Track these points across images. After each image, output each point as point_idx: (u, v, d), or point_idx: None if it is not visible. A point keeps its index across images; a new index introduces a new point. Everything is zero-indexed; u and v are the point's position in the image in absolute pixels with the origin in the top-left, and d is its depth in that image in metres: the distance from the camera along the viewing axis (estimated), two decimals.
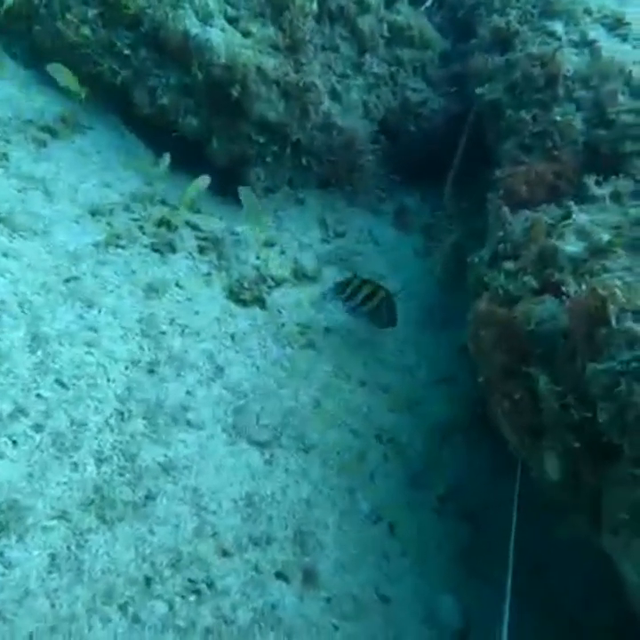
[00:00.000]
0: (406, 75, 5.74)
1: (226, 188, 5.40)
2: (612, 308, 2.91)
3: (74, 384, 3.59)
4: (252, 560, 3.37)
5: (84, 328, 3.90)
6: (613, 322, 2.88)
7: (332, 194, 5.74)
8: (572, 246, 3.52)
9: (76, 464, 3.32)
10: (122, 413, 3.61)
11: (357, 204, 5.78)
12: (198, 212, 5.19)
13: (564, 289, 3.31)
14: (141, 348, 3.98)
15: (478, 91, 5.00)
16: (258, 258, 4.94)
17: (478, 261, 4.29)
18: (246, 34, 5.23)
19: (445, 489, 4.17)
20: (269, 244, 5.14)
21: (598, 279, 3.20)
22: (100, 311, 4.05)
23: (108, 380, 3.73)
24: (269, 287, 4.82)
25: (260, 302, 4.72)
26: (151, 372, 3.89)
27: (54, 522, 3.07)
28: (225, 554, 3.32)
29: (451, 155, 5.53)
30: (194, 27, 5.06)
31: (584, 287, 3.15)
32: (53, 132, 5.12)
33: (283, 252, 5.07)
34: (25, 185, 4.58)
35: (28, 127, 4.97)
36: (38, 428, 3.34)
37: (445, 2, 5.85)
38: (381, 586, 3.58)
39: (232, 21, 5.27)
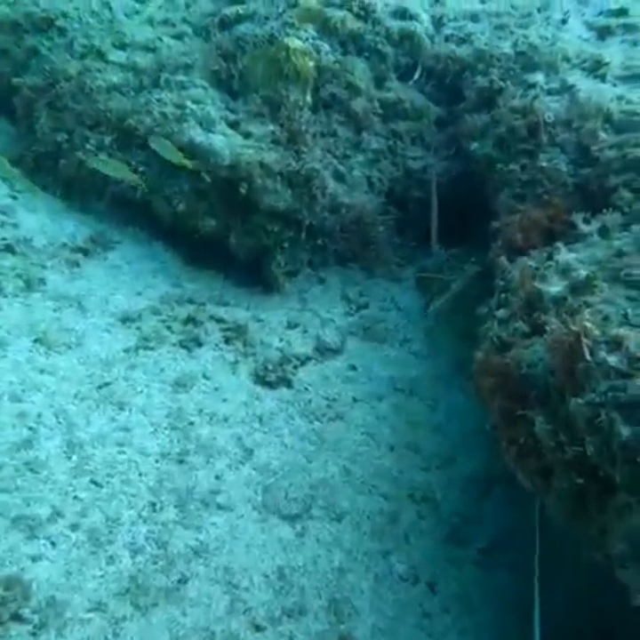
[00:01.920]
0: (405, 145, 5.99)
1: (251, 278, 5.70)
2: (585, 342, 2.99)
3: (108, 482, 3.87)
4: (286, 632, 3.48)
5: (116, 429, 4.19)
6: (587, 355, 2.96)
7: (351, 269, 5.97)
8: (554, 287, 3.62)
9: (111, 557, 3.55)
10: (154, 504, 3.84)
11: (377, 274, 5.97)
12: (226, 304, 5.48)
13: (547, 329, 3.39)
14: (171, 440, 4.24)
15: (472, 147, 5.20)
16: (281, 340, 5.17)
17: (486, 312, 4.39)
18: (247, 135, 5.62)
19: (488, 542, 4.16)
20: (293, 325, 5.36)
21: (577, 315, 3.28)
22: (130, 411, 4.34)
23: (140, 475, 3.98)
24: (294, 366, 5.03)
25: (286, 382, 4.93)
26: (181, 462, 4.13)
27: (91, 614, 3.27)
28: (258, 628, 3.45)
29: (457, 213, 5.72)
30: (198, 136, 5.47)
31: (561, 325, 3.23)
32: (85, 252, 5.57)
33: (305, 331, 5.28)
34: (60, 304, 4.99)
35: (61, 251, 5.43)
36: (74, 527, 3.60)
37: (433, 72, 6.13)
38: None
39: (233, 125, 5.67)
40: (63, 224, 5.67)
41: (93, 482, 3.85)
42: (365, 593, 3.79)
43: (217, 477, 4.12)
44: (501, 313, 3.90)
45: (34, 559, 3.43)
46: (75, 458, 3.93)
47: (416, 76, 6.10)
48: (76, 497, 3.75)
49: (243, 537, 3.85)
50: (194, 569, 3.62)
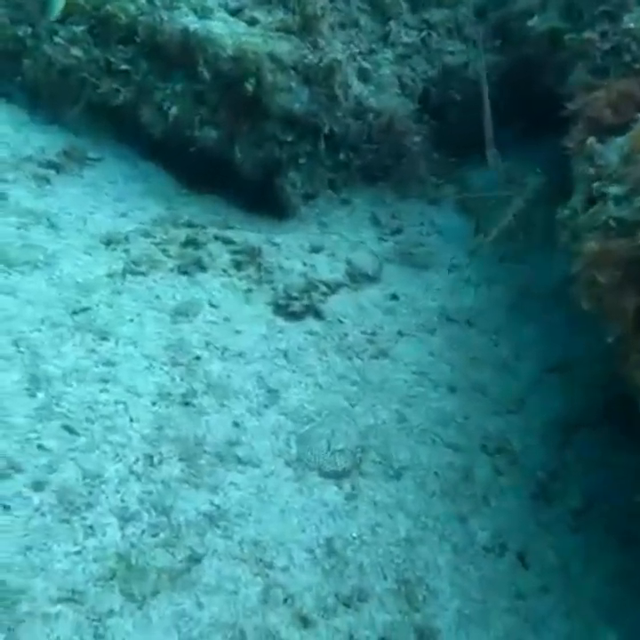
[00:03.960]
0: (440, 38, 4.98)
1: (260, 202, 4.65)
2: None
3: (85, 429, 2.81)
4: (344, 627, 2.44)
5: (97, 363, 3.15)
6: None
7: (380, 188, 4.94)
8: None
9: (91, 526, 2.50)
10: (151, 457, 2.80)
11: (411, 194, 4.94)
12: (230, 228, 4.44)
13: None
14: (172, 378, 3.20)
15: (529, 23, 4.22)
16: (305, 264, 4.13)
17: (569, 214, 3.43)
18: (252, 22, 4.58)
19: (581, 500, 3.25)
20: (317, 248, 4.33)
21: None
22: (116, 343, 3.31)
23: (131, 420, 2.95)
24: (323, 294, 4.00)
25: (315, 312, 3.89)
26: (186, 404, 3.10)
27: (60, 606, 2.21)
28: (306, 623, 2.42)
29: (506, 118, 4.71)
30: (192, 23, 4.43)
31: None
32: (57, 167, 4.50)
33: (332, 254, 4.24)
34: (25, 221, 3.92)
35: (26, 164, 4.36)
36: (38, 485, 2.54)
37: None
38: (525, 637, 2.58)
39: (234, 13, 4.63)
40: (29, 136, 4.59)
41: (66, 427, 2.81)
42: (443, 570, 2.79)
43: (235, 424, 3.09)
44: (616, 189, 2.91)
45: None
46: (41, 396, 2.88)
47: None
48: (40, 446, 2.70)
49: (274, 500, 2.83)
50: (210, 543, 2.58)
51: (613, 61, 3.84)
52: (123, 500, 2.63)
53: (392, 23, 4.94)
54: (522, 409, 3.68)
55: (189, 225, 4.37)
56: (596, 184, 3.26)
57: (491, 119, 4.54)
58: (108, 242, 4.05)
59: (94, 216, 4.23)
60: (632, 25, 3.80)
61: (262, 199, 4.72)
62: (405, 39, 4.97)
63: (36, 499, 2.54)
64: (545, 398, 3.74)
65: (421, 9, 5.03)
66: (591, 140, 3.45)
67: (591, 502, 3.28)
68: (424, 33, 4.99)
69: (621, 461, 3.38)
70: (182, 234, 4.23)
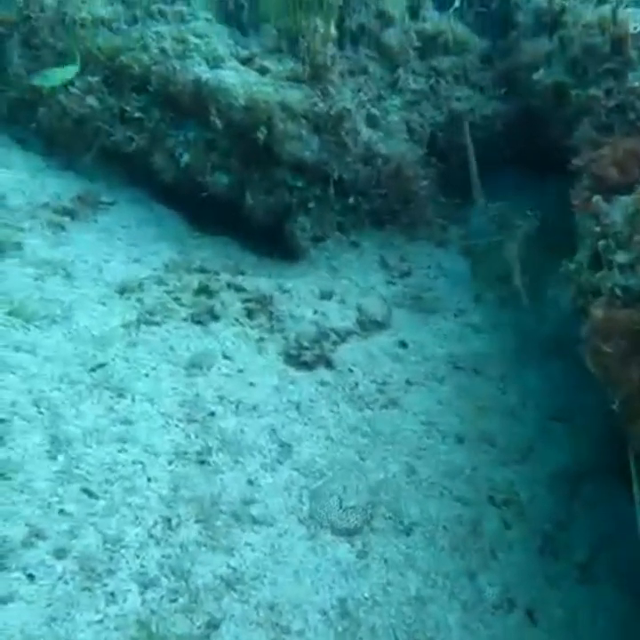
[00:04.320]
0: (448, 84, 5.07)
1: (271, 244, 4.74)
2: None
3: (105, 491, 2.89)
4: None
5: (114, 422, 3.23)
6: None
7: (388, 231, 5.02)
8: None
9: (112, 594, 2.58)
10: (169, 520, 2.88)
11: (419, 237, 5.03)
12: (242, 274, 4.53)
13: None
14: (187, 435, 3.28)
15: (535, 76, 4.30)
16: (315, 312, 4.21)
17: (576, 268, 3.50)
18: (263, 71, 4.67)
19: (588, 552, 3.30)
20: (327, 295, 4.41)
21: None
22: (133, 399, 3.38)
23: (149, 480, 3.02)
24: (334, 343, 4.08)
25: (326, 362, 3.97)
26: (202, 463, 3.18)
27: None
28: None
29: (516, 161, 4.81)
30: (204, 72, 4.52)
31: None
32: (72, 214, 4.60)
33: (342, 301, 4.32)
34: (42, 271, 4.02)
35: (42, 211, 4.46)
36: (61, 553, 2.62)
37: None
38: None
39: (245, 62, 4.73)
40: (45, 182, 4.70)
41: (86, 491, 2.88)
42: (453, 630, 2.85)
43: (249, 482, 3.16)
44: (622, 257, 2.97)
45: (3, 600, 2.45)
46: (61, 459, 2.96)
47: (457, 4, 5.16)
48: (62, 511, 2.77)
49: (289, 561, 2.89)
50: (227, 607, 2.65)
51: (618, 119, 3.90)
52: (142, 566, 2.71)
53: (400, 70, 5.02)
54: (529, 458, 3.74)
55: (202, 270, 4.46)
56: (601, 242, 3.33)
57: (476, 167, 4.62)
58: (123, 290, 4.13)
59: (109, 263, 4.32)
60: (637, 83, 3.87)
61: (273, 242, 4.80)
62: (413, 86, 5.06)
63: (59, 567, 2.62)
64: (552, 447, 3.80)
65: (429, 56, 5.11)
66: (597, 198, 3.53)
67: (598, 554, 3.32)
68: (432, 79, 5.07)
69: (626, 510, 3.43)
70: (195, 280, 4.31)
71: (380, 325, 4.27)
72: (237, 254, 4.77)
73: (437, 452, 3.63)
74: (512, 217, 4.68)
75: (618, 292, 2.93)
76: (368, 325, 4.25)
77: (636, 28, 3.99)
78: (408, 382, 3.98)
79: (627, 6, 4.18)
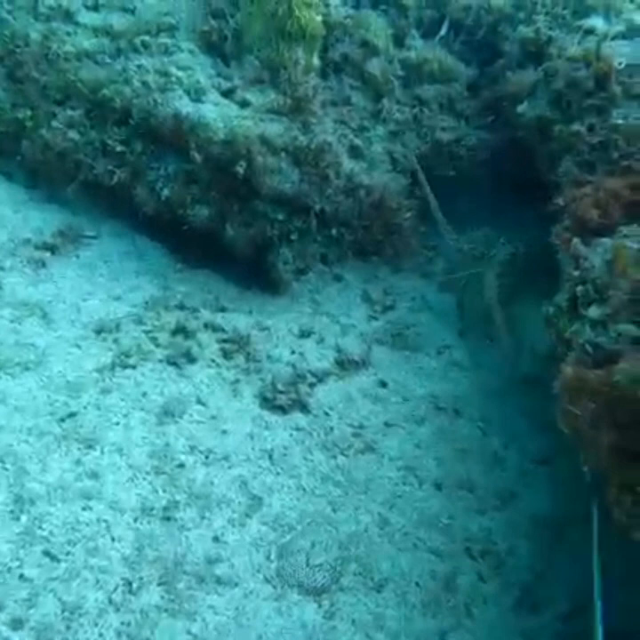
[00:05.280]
0: (432, 114, 5.00)
1: (253, 276, 4.70)
2: None
3: (67, 553, 2.85)
4: None
5: (81, 476, 3.20)
6: None
7: (372, 263, 4.97)
8: None
9: None
10: (130, 583, 2.83)
11: (403, 269, 4.97)
12: (223, 310, 4.49)
13: None
14: (154, 489, 3.24)
15: (519, 109, 4.23)
16: (292, 352, 4.16)
17: (554, 312, 3.43)
18: (244, 104, 4.62)
19: (571, 604, 3.21)
20: (306, 333, 4.36)
21: None
22: (102, 451, 3.35)
23: (113, 540, 2.98)
24: (310, 385, 4.03)
25: (301, 405, 3.92)
26: (167, 519, 3.13)
27: None
28: None
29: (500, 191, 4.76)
30: (184, 106, 4.48)
31: None
32: (52, 249, 4.58)
33: (321, 340, 4.27)
34: (18, 314, 4.00)
35: (23, 249, 4.44)
36: (17, 623, 2.58)
37: (462, 26, 5.13)
38: None
39: (227, 94, 4.68)
40: (28, 216, 4.69)
41: (47, 553, 2.84)
42: None
43: (215, 539, 3.11)
44: (594, 312, 2.90)
45: None
46: (23, 519, 2.92)
47: (442, 32, 5.09)
48: (22, 577, 2.73)
49: (253, 624, 2.84)
50: None
51: (600, 156, 3.83)
52: (100, 635, 2.66)
53: (384, 100, 4.96)
54: (509, 505, 3.67)
55: (181, 307, 4.42)
56: (579, 288, 3.27)
57: (438, 210, 4.58)
58: (100, 330, 4.11)
59: (88, 302, 4.30)
60: (620, 121, 3.79)
61: (256, 274, 4.76)
62: (397, 115, 4.99)
63: (16, 639, 2.57)
64: (533, 493, 3.73)
65: (413, 85, 5.05)
66: (576, 241, 3.46)
67: (581, 606, 3.23)
68: (416, 109, 5.01)
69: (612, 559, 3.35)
70: (173, 319, 4.27)
71: (358, 365, 4.20)
72: (219, 287, 4.74)
73: (413, 499, 3.57)
74: (486, 246, 4.62)
75: (588, 349, 2.86)
76: (346, 365, 4.18)
77: (620, 64, 3.91)
78: (386, 424, 3.92)
79: (613, 39, 4.11)
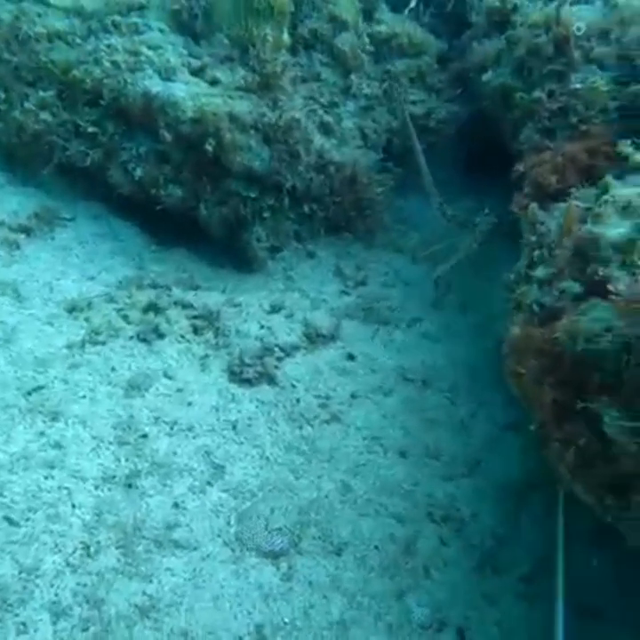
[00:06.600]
0: (402, 88, 5.00)
1: (227, 254, 4.74)
2: None
3: (27, 519, 2.90)
4: None
5: (45, 446, 3.24)
6: None
7: (345, 239, 4.99)
8: (615, 229, 2.64)
9: (23, 624, 2.59)
10: (88, 547, 2.88)
11: (376, 244, 4.99)
12: (197, 288, 4.53)
13: (612, 288, 2.43)
14: (116, 459, 3.28)
15: (483, 78, 4.25)
16: (261, 327, 4.20)
17: (514, 278, 3.46)
18: (213, 82, 4.65)
19: (531, 566, 3.25)
20: (277, 308, 4.39)
21: None
22: (66, 423, 3.40)
23: (73, 507, 3.03)
24: (278, 358, 4.06)
25: (268, 378, 3.96)
26: (128, 486, 3.17)
27: None
28: None
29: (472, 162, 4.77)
30: (154, 86, 4.51)
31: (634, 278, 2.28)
32: (27, 231, 4.62)
33: (291, 315, 4.30)
34: None
35: None
36: None
37: None
38: None
39: (197, 72, 4.70)
40: (3, 199, 4.72)
41: (7, 519, 2.90)
42: None
43: (175, 505, 3.16)
44: (541, 272, 2.94)
45: None
46: None
47: (412, 5, 5.11)
48: None
49: (208, 586, 2.89)
50: (139, 636, 2.65)
51: (560, 122, 3.84)
52: (56, 595, 2.72)
53: (353, 76, 4.97)
54: (474, 472, 3.70)
55: (154, 286, 4.45)
56: (536, 252, 3.29)
57: (429, 175, 4.55)
58: (72, 309, 4.15)
59: (61, 282, 4.34)
60: (579, 85, 3.79)
61: (231, 253, 4.79)
62: (367, 91, 5.00)
63: None
64: (500, 459, 3.75)
65: (383, 59, 5.06)
66: (533, 206, 3.48)
67: (541, 568, 3.27)
68: (386, 83, 5.02)
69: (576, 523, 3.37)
70: (145, 297, 4.30)
71: (327, 338, 4.23)
72: (194, 266, 4.77)
73: (377, 467, 3.60)
74: (469, 217, 4.62)
75: (535, 308, 2.89)
76: (315, 339, 4.21)
77: (579, 29, 3.90)
78: (353, 396, 3.95)
79: (572, 4, 4.09)
